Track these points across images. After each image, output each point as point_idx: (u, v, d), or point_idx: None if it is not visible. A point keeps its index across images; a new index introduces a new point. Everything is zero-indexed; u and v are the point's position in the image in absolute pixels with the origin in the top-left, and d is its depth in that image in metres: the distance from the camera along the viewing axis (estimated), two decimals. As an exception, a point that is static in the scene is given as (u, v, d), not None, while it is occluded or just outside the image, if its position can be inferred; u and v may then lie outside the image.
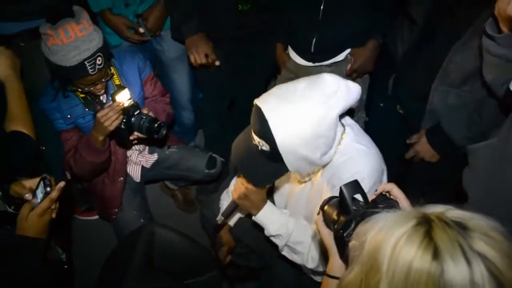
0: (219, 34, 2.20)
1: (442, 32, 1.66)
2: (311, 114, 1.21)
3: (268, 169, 1.35)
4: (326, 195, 1.37)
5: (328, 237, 1.00)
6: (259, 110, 1.26)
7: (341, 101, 1.25)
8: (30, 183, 1.44)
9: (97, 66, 1.72)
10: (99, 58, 1.72)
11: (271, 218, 1.54)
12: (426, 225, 0.69)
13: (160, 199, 2.71)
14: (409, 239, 0.68)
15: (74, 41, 1.65)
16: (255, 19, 2.15)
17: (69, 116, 1.89)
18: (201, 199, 2.68)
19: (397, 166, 1.96)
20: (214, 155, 2.31)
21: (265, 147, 1.29)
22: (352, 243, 0.80)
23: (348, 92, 1.28)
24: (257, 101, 1.29)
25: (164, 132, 1.83)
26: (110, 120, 1.73)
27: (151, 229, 2.01)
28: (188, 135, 2.84)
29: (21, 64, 1.71)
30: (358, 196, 0.94)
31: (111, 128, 1.76)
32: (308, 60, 2.21)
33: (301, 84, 1.27)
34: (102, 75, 1.80)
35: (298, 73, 2.28)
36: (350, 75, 2.21)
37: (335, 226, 0.93)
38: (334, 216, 0.97)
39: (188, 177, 2.36)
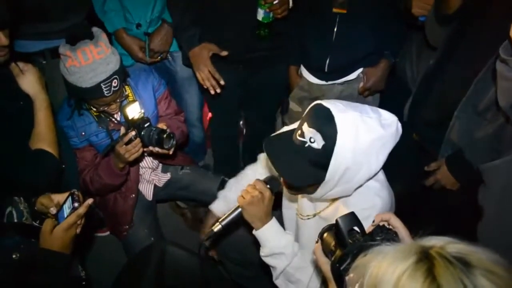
0: (231, 58, 2.30)
1: (458, 58, 1.71)
2: (372, 128, 1.29)
3: (305, 170, 1.32)
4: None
5: (327, 266, 1.03)
6: (323, 108, 1.29)
7: (390, 138, 1.35)
8: (58, 197, 1.53)
9: (112, 88, 1.82)
10: (115, 80, 1.82)
11: (277, 234, 1.53)
12: (427, 262, 0.71)
13: (169, 218, 2.80)
14: (411, 276, 0.70)
15: (92, 64, 1.75)
16: (268, 42, 2.26)
17: (83, 133, 2.01)
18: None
19: (411, 193, 2.01)
20: (226, 178, 2.35)
21: (317, 143, 1.27)
22: (350, 277, 0.83)
23: (398, 130, 1.37)
24: (322, 102, 1.32)
25: (174, 142, 1.92)
26: (130, 153, 1.87)
27: (163, 247, 2.11)
28: (198, 154, 2.95)
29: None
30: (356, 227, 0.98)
31: (131, 159, 1.90)
32: (321, 79, 2.33)
33: (365, 105, 1.38)
34: (117, 96, 1.91)
35: (311, 91, 2.41)
36: (362, 93, 2.32)
37: (332, 259, 0.97)
38: (332, 246, 1.00)
39: (199, 199, 2.44)
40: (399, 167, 1.82)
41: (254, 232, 1.56)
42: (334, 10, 2.10)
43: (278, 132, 1.52)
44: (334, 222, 1.42)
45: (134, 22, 2.38)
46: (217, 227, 1.55)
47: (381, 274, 0.73)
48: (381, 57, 2.26)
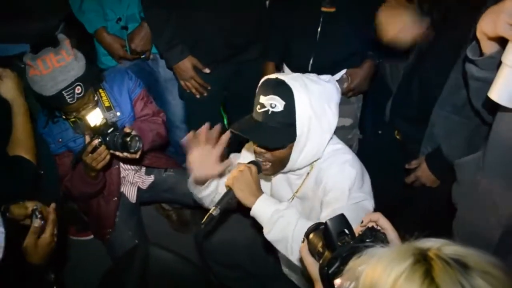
0: (212, 56, 2.29)
1: (432, 56, 1.74)
2: (316, 83, 1.46)
3: (277, 131, 1.43)
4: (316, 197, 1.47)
5: (313, 267, 1.01)
6: (270, 78, 1.46)
7: (333, 91, 1.49)
8: (32, 206, 1.49)
9: (76, 95, 1.79)
10: (78, 87, 1.79)
11: (274, 202, 1.48)
12: (425, 263, 0.70)
13: (154, 220, 2.76)
14: (409, 278, 0.69)
15: (52, 72, 1.74)
16: (244, 36, 2.26)
17: (60, 140, 1.98)
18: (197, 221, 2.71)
19: (396, 192, 2.03)
20: None
21: (278, 105, 1.40)
22: (341, 280, 0.83)
23: (337, 88, 1.53)
24: (267, 76, 1.48)
25: (139, 145, 1.86)
26: (96, 161, 1.83)
27: (146, 249, 2.08)
28: (182, 155, 2.89)
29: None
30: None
31: (99, 167, 1.86)
32: (305, 79, 2.33)
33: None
34: (85, 102, 1.87)
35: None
36: (346, 94, 2.32)
37: (320, 261, 0.94)
38: (319, 247, 0.98)
39: (183, 202, 2.42)
40: (382, 167, 1.83)
41: (251, 212, 1.48)
42: (323, 9, 2.10)
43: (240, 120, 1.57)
44: (311, 198, 1.50)
45: (114, 18, 2.35)
46: (215, 211, 1.46)
47: (376, 277, 0.71)
48: (365, 58, 2.26)
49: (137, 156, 1.91)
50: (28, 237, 1.42)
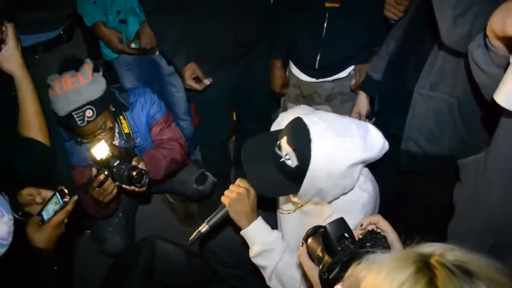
0: (218, 56, 2.27)
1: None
2: (350, 154, 1.25)
3: (278, 182, 1.33)
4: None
5: (313, 271, 0.99)
6: (303, 126, 1.26)
7: (370, 159, 1.33)
8: (44, 192, 1.48)
9: (86, 119, 1.79)
10: (90, 110, 1.79)
11: (265, 231, 1.50)
12: (428, 272, 0.67)
13: (160, 212, 2.78)
14: None
15: (65, 93, 1.75)
16: (251, 35, 2.24)
17: (85, 158, 1.96)
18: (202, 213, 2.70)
19: (392, 184, 1.98)
20: (206, 172, 2.35)
21: (292, 161, 1.27)
22: (341, 287, 0.82)
23: (382, 151, 1.35)
24: (304, 118, 1.29)
25: (146, 180, 1.83)
26: (103, 196, 1.82)
27: (153, 243, 2.10)
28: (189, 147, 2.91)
29: (35, 77, 1.72)
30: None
31: (106, 201, 1.86)
32: (312, 76, 2.30)
33: (353, 123, 1.32)
34: (98, 127, 1.86)
35: (302, 88, 2.38)
36: (354, 91, 2.29)
37: (320, 267, 0.92)
38: (319, 252, 0.96)
39: (179, 190, 2.41)
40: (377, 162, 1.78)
41: (241, 232, 1.52)
42: (327, 4, 2.07)
43: (262, 134, 1.48)
44: (315, 216, 1.43)
45: (115, 11, 2.34)
46: (204, 228, 1.51)
47: (377, 285, 0.69)
48: (372, 54, 2.22)
49: (138, 189, 1.87)
50: (32, 220, 1.41)
